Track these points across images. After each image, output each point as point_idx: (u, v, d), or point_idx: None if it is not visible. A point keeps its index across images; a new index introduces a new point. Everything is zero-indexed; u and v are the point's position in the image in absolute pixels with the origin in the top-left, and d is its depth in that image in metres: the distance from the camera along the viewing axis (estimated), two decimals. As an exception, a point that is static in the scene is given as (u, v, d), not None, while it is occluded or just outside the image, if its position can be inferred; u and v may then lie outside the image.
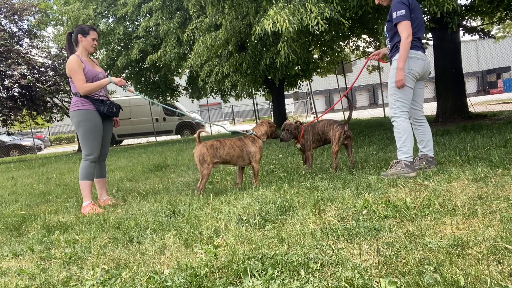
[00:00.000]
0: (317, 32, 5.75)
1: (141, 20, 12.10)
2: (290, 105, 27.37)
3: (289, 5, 5.15)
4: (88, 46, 3.53)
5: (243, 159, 3.49)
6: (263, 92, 17.49)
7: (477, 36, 9.13)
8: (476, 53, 38.66)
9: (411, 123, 3.47)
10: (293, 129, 3.99)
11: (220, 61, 9.52)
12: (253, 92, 16.53)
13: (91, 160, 3.47)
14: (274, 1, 5.43)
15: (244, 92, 15.10)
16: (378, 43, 12.08)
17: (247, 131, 3.60)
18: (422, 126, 3.52)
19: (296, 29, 5.04)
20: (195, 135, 3.54)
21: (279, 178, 3.76)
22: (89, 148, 3.45)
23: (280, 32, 5.15)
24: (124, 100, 19.71)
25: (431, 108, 11.39)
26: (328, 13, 5.01)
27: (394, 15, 3.22)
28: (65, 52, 16.90)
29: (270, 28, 5.07)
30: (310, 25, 5.07)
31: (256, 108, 20.95)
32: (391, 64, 3.45)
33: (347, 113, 18.04)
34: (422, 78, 3.45)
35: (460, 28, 8.12)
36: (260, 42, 8.52)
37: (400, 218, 2.13)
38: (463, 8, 7.27)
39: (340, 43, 12.86)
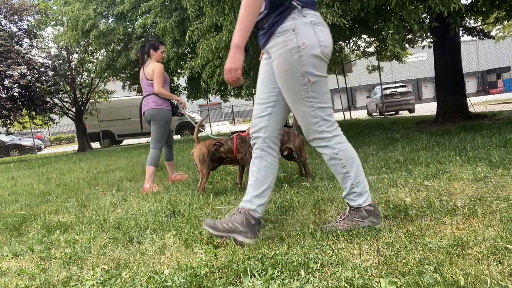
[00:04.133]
0: None
1: (140, 18, 12.10)
2: (290, 105, 27.33)
3: None
4: (158, 58, 4.33)
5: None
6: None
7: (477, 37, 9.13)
8: (476, 53, 38.68)
9: (258, 153, 2.05)
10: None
11: (222, 62, 9.52)
12: (254, 92, 16.51)
13: (160, 149, 4.26)
14: None
15: (246, 93, 15.09)
16: (378, 43, 12.08)
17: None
18: (272, 158, 2.06)
19: None
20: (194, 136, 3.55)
21: (279, 178, 3.76)
22: (162, 141, 4.26)
23: None
24: (124, 100, 19.72)
25: (431, 108, 11.40)
26: (329, 19, 5.00)
27: None
28: (64, 52, 16.94)
29: None
30: None
31: (256, 108, 20.92)
32: (267, 43, 1.92)
33: (347, 113, 18.05)
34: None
35: (460, 28, 8.12)
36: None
37: (400, 218, 2.13)
38: (463, 8, 7.28)
39: (341, 43, 12.85)
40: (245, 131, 3.62)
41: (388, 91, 17.89)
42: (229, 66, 1.82)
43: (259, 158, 2.05)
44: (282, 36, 1.83)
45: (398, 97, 18.08)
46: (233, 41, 1.80)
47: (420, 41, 7.98)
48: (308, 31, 1.82)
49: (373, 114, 19.13)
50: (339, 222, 2.04)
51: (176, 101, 4.39)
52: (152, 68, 4.19)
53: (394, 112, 18.45)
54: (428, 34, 6.75)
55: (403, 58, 13.65)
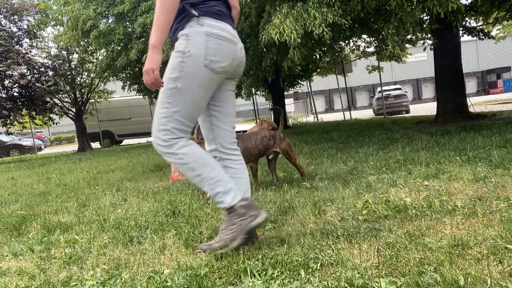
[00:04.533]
0: (323, 39, 5.74)
1: (139, 18, 12.10)
2: (290, 105, 27.36)
3: (292, 11, 5.15)
4: None
5: None
6: (263, 92, 17.50)
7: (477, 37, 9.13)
8: (476, 53, 38.67)
9: (221, 163, 1.99)
10: None
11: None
12: (253, 92, 16.53)
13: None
14: (277, 8, 5.42)
15: (245, 93, 15.13)
16: (377, 43, 12.07)
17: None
18: (235, 163, 2.02)
19: (301, 36, 5.06)
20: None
21: (279, 178, 3.76)
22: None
23: (287, 42, 5.14)
24: (124, 100, 19.72)
25: (431, 108, 11.40)
26: (331, 18, 5.01)
27: None
28: (64, 52, 16.93)
29: (278, 38, 5.08)
30: (315, 32, 5.07)
31: (256, 108, 20.95)
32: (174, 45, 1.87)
33: (347, 113, 18.04)
34: (234, 76, 1.94)
35: (460, 28, 8.13)
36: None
37: (400, 218, 2.13)
38: (463, 8, 7.28)
39: (341, 43, 12.85)
40: (246, 131, 3.62)
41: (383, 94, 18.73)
42: (147, 67, 1.72)
43: (224, 168, 1.98)
44: (179, 40, 1.80)
45: (392, 100, 18.75)
46: (150, 41, 1.73)
47: (421, 43, 7.97)
48: (199, 40, 1.75)
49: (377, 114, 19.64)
50: (223, 233, 1.88)
51: None
52: None
53: (393, 113, 18.88)
54: (429, 36, 6.73)
55: (403, 58, 13.66)
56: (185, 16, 1.78)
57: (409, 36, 8.79)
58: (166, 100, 1.79)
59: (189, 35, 1.76)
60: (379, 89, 17.89)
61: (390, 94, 18.99)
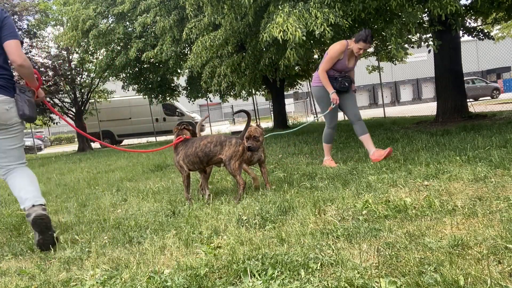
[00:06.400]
0: (323, 39, 5.72)
1: (139, 17, 12.10)
2: (290, 105, 27.34)
3: (294, 11, 5.16)
4: (354, 49, 4.17)
5: None
6: (263, 92, 17.48)
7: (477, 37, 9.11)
8: (476, 53, 38.65)
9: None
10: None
11: (221, 62, 9.52)
12: (253, 92, 16.51)
13: (332, 128, 4.39)
14: (280, 7, 5.43)
15: (244, 92, 15.11)
16: (377, 43, 12.05)
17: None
18: (12, 175, 2.72)
19: (304, 35, 5.06)
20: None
21: (279, 178, 3.76)
22: (327, 118, 4.36)
23: (290, 41, 5.14)
24: (124, 100, 19.72)
25: (431, 108, 11.40)
26: (332, 18, 5.02)
27: None
28: (65, 52, 16.92)
29: (281, 36, 5.08)
30: (316, 31, 5.08)
31: (256, 108, 20.94)
32: None
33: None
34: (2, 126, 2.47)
35: (460, 29, 8.12)
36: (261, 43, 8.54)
37: (400, 218, 2.13)
38: (463, 8, 7.26)
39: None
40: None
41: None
42: None
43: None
44: None
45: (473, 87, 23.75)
46: None
47: (425, 45, 7.94)
48: None
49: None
50: None
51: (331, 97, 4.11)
52: (331, 47, 4.16)
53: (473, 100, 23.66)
54: (433, 39, 6.66)
55: (403, 58, 13.66)
56: None
57: (412, 38, 8.74)
58: None
59: None
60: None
61: (469, 83, 23.80)
